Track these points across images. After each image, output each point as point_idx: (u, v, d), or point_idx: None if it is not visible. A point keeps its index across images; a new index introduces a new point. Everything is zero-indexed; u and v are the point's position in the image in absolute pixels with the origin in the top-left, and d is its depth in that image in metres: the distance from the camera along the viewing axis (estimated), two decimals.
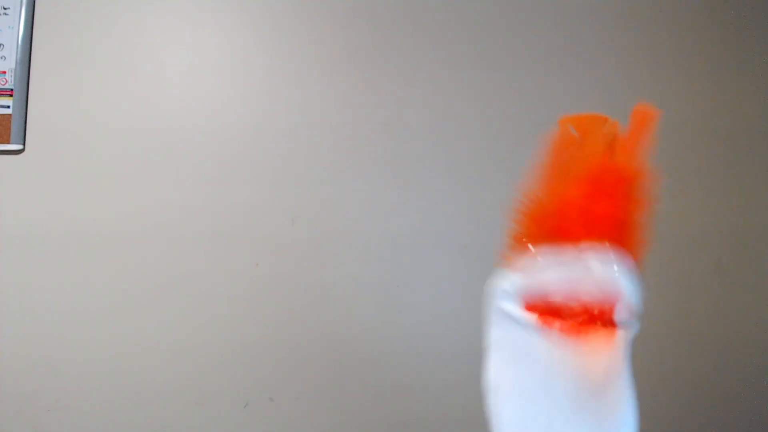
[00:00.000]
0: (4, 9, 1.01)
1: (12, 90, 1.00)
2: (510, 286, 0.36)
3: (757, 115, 1.14)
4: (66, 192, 1.01)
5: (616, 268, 0.33)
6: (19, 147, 1.00)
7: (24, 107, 1.00)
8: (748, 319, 1.10)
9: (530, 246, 0.36)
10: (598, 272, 0.33)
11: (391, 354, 1.03)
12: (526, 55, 1.11)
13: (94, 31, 1.04)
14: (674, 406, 1.08)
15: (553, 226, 0.36)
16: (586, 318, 0.34)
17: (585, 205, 0.35)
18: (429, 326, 1.04)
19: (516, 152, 1.09)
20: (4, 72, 1.01)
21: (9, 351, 0.98)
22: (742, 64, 1.14)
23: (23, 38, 1.01)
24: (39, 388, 0.98)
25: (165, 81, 1.05)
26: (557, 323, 0.34)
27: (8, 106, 1.00)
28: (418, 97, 1.08)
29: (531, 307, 0.35)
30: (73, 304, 0.99)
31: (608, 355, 0.33)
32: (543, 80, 1.10)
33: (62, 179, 1.01)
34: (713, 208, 1.11)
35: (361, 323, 1.03)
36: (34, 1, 1.03)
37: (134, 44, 1.05)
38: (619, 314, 0.34)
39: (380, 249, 1.05)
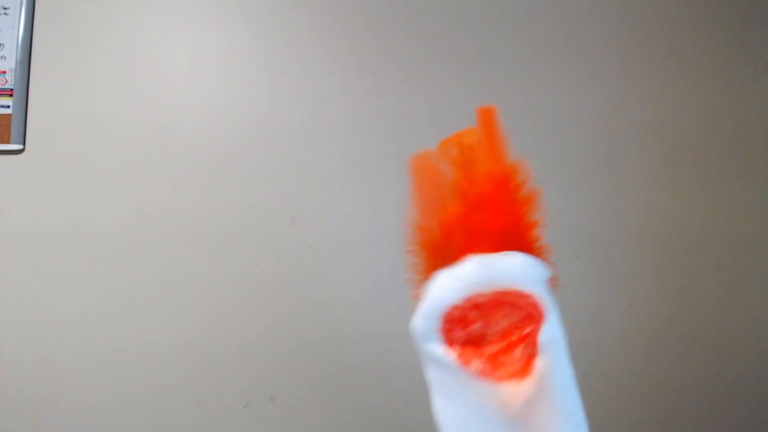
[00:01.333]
0: (4, 9, 1.01)
1: (12, 90, 1.00)
2: (424, 322, 0.35)
3: (757, 114, 1.14)
4: (66, 192, 1.01)
5: (515, 260, 0.33)
6: (19, 147, 1.00)
7: (24, 107, 1.00)
8: (748, 319, 1.11)
9: (431, 271, 0.35)
10: (498, 269, 0.33)
11: (391, 354, 1.03)
12: (527, 55, 1.11)
13: (94, 31, 1.04)
14: (674, 406, 1.08)
15: (443, 248, 0.35)
16: (505, 345, 0.33)
17: (465, 220, 0.35)
18: None
19: (516, 152, 1.09)
20: (4, 72, 1.01)
21: (9, 351, 0.98)
22: (742, 64, 1.14)
23: (23, 38, 1.01)
24: (39, 388, 0.97)
25: (165, 81, 1.05)
26: (476, 361, 0.33)
27: (8, 106, 1.00)
28: (419, 97, 1.08)
29: (449, 340, 0.34)
30: (73, 304, 0.99)
31: (534, 394, 0.32)
32: (543, 80, 1.10)
33: (62, 179, 1.01)
34: (713, 208, 1.11)
35: (361, 323, 1.03)
36: (34, 1, 1.03)
37: (134, 44, 1.05)
38: (542, 332, 0.33)
39: (380, 249, 1.05)
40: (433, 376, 0.36)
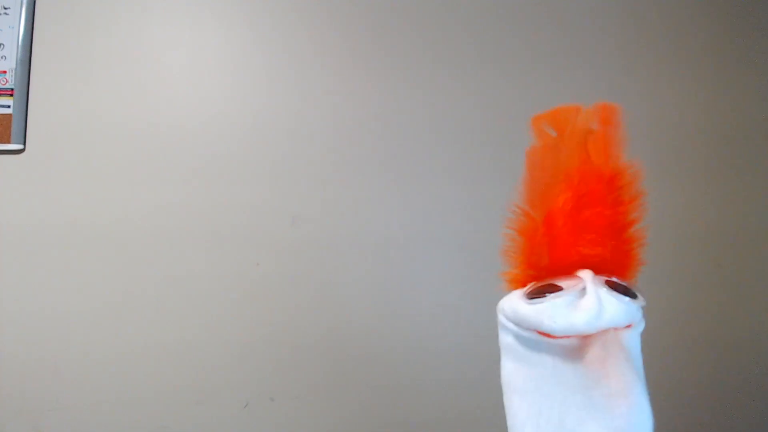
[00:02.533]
0: (5, 9, 1.01)
1: (12, 90, 1.00)
2: (509, 316, 0.37)
3: (758, 114, 1.13)
4: (66, 192, 1.01)
5: (606, 304, 0.33)
6: (19, 147, 1.00)
7: (24, 107, 1.01)
8: (748, 319, 1.10)
9: (528, 279, 0.37)
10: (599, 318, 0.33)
11: (392, 354, 1.03)
12: (527, 54, 1.11)
13: (95, 30, 1.04)
14: (674, 406, 1.08)
15: (543, 239, 0.36)
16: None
17: (572, 213, 0.35)
18: (429, 326, 1.04)
19: (517, 152, 1.09)
20: (5, 72, 1.01)
21: (9, 351, 0.98)
22: (743, 64, 1.14)
23: (23, 38, 1.01)
24: (39, 388, 0.98)
25: (165, 81, 1.05)
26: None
27: (8, 106, 1.00)
28: (419, 97, 1.08)
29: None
30: (73, 304, 0.99)
31: (607, 343, 0.33)
32: (543, 79, 1.10)
33: (63, 179, 1.01)
34: (713, 207, 1.11)
35: (361, 323, 1.03)
36: (35, 1, 1.03)
37: (134, 44, 1.05)
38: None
39: (380, 249, 1.04)
40: (509, 339, 0.37)
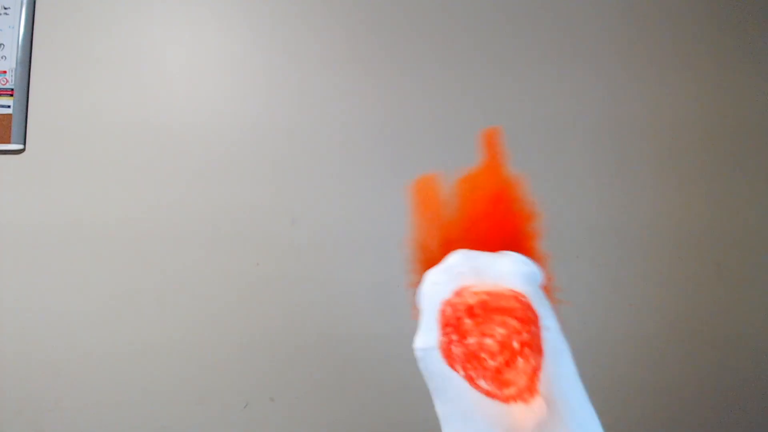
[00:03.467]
0: (5, 9, 1.02)
1: (12, 90, 1.00)
2: (424, 334, 0.33)
3: (758, 114, 1.13)
4: (66, 192, 1.01)
5: (509, 257, 0.32)
6: (19, 147, 1.00)
7: (24, 107, 1.01)
8: (749, 320, 1.10)
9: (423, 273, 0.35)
10: (497, 270, 0.32)
11: (392, 354, 1.03)
12: (528, 54, 1.11)
13: (95, 30, 1.04)
14: (675, 406, 1.08)
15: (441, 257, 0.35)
16: (507, 358, 0.32)
17: (464, 237, 0.35)
18: None
19: (517, 152, 1.09)
20: (5, 72, 1.01)
21: (9, 351, 0.98)
22: (743, 65, 1.14)
23: (23, 38, 1.01)
24: (39, 388, 0.98)
25: (165, 81, 1.05)
26: (481, 381, 0.32)
27: (8, 106, 1.00)
28: (419, 97, 1.08)
29: (450, 357, 0.32)
30: (73, 304, 0.99)
31: (539, 405, 0.30)
32: (544, 79, 1.10)
33: (63, 179, 1.01)
34: (714, 208, 1.11)
35: (361, 323, 1.03)
36: (35, 1, 1.03)
37: (135, 44, 1.05)
38: (543, 341, 0.31)
39: (380, 249, 1.04)
40: (439, 399, 0.33)
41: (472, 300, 0.32)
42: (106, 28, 1.04)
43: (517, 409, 0.30)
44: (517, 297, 0.31)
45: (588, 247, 1.08)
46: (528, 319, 0.31)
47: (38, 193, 1.00)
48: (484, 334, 0.32)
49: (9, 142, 0.99)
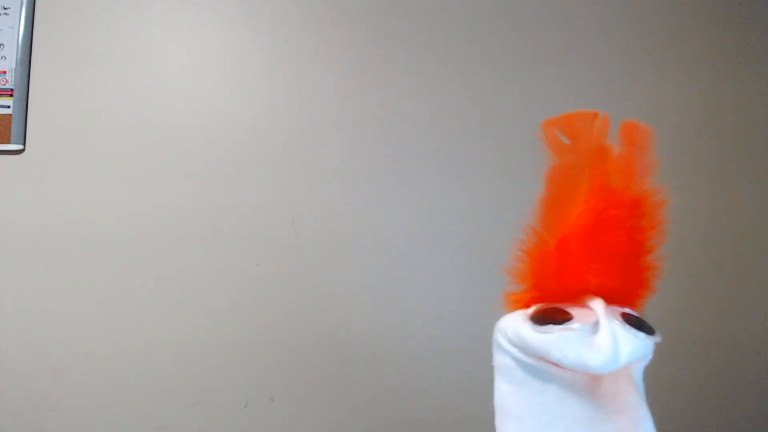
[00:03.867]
0: (5, 9, 1.01)
1: (12, 90, 1.00)
2: (512, 339, 0.34)
3: (759, 114, 1.13)
4: (66, 192, 1.01)
5: (622, 343, 0.31)
6: (19, 147, 1.00)
7: (24, 107, 1.01)
8: (749, 320, 1.10)
9: (533, 301, 0.34)
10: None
11: (392, 354, 1.03)
12: (527, 54, 1.11)
13: (95, 30, 1.04)
14: (675, 406, 1.08)
15: (554, 262, 0.34)
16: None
17: (588, 237, 0.33)
18: (429, 326, 1.04)
19: (517, 152, 1.09)
20: (5, 72, 1.01)
21: (9, 351, 0.98)
22: (744, 64, 1.14)
23: (23, 38, 1.01)
24: (39, 388, 0.98)
25: (165, 81, 1.05)
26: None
27: (8, 106, 1.00)
28: (419, 97, 1.08)
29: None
30: (73, 304, 0.99)
31: (619, 377, 0.31)
32: (544, 79, 1.10)
33: (62, 179, 1.01)
34: (714, 208, 1.11)
35: (361, 323, 1.03)
36: (35, 1, 1.03)
37: (134, 44, 1.05)
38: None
39: (380, 249, 1.04)
40: (507, 361, 0.34)
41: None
42: (106, 28, 1.04)
43: (599, 380, 0.31)
44: None
45: None
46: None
47: (38, 193, 1.00)
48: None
49: (9, 143, 0.99)
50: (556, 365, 0.31)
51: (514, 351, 0.34)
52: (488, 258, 1.04)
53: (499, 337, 0.36)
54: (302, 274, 1.03)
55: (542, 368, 0.32)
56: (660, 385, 1.14)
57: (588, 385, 0.31)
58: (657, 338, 0.32)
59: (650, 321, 0.32)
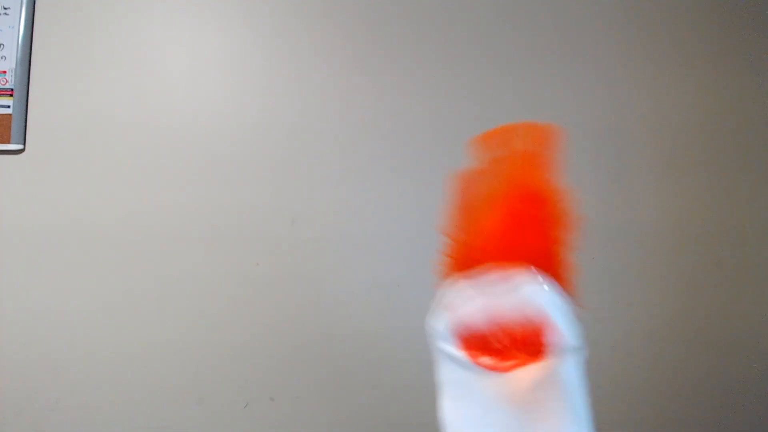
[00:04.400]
0: (5, 9, 1.01)
1: (12, 90, 1.00)
2: (442, 325, 0.36)
3: (759, 113, 1.13)
4: (66, 192, 1.01)
5: (541, 289, 0.33)
6: (19, 147, 1.00)
7: (24, 107, 1.01)
8: (749, 319, 1.10)
9: (457, 278, 0.36)
10: (522, 294, 0.33)
11: (391, 354, 1.03)
12: (527, 54, 1.11)
13: (95, 31, 1.04)
14: (675, 406, 1.08)
15: (476, 263, 0.35)
16: (513, 346, 0.34)
17: (505, 237, 0.35)
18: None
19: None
20: (5, 72, 1.01)
21: (9, 351, 0.98)
22: (744, 63, 1.14)
23: (23, 38, 1.01)
24: (39, 388, 0.98)
25: (165, 81, 1.05)
26: (486, 358, 0.34)
27: (8, 106, 1.00)
28: (418, 97, 1.08)
29: (464, 342, 0.35)
30: (73, 304, 0.99)
31: (541, 382, 0.32)
32: (544, 79, 1.10)
33: (62, 179, 1.01)
34: (713, 207, 1.11)
35: (361, 323, 1.03)
36: (35, 1, 1.03)
37: (134, 44, 1.05)
38: (549, 337, 0.33)
39: (380, 249, 1.04)
40: (447, 374, 0.36)
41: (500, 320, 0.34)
42: (106, 28, 1.04)
43: (515, 375, 0.32)
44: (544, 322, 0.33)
45: (588, 247, 1.08)
46: (534, 319, 0.33)
47: (38, 193, 1.00)
48: (493, 326, 0.34)
49: (9, 142, 0.99)
50: (487, 366, 0.33)
51: (447, 349, 0.35)
52: None
53: (434, 340, 0.37)
54: (302, 274, 1.03)
55: (472, 381, 0.34)
56: (660, 384, 1.15)
57: (513, 394, 0.33)
58: (575, 306, 0.34)
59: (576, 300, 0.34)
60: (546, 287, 0.34)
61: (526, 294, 0.33)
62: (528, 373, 0.33)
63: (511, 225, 0.35)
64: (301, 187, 1.05)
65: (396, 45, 1.09)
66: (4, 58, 1.01)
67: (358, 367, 1.03)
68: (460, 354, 0.35)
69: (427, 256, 1.13)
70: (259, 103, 1.06)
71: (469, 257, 0.36)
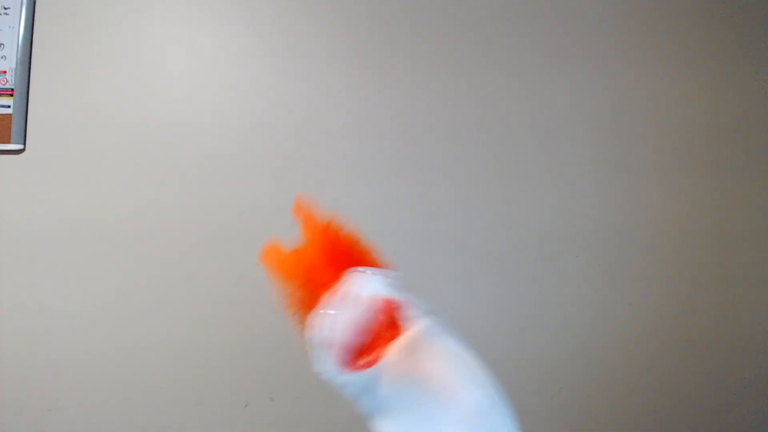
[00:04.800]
0: (5, 9, 1.01)
1: (12, 90, 1.00)
2: (329, 362, 0.39)
3: (759, 114, 1.13)
4: (66, 192, 1.01)
5: (368, 277, 0.39)
6: (19, 147, 1.00)
7: (24, 107, 1.01)
8: (749, 319, 1.10)
9: (308, 318, 0.41)
10: (359, 292, 0.38)
11: None
12: (530, 55, 1.11)
13: (95, 30, 1.04)
14: (675, 406, 1.08)
15: (315, 303, 0.42)
16: (382, 337, 0.37)
17: (321, 277, 0.43)
18: None
19: (516, 152, 1.09)
20: (5, 72, 1.01)
21: (9, 351, 0.98)
22: (744, 63, 1.14)
23: (23, 38, 1.01)
24: (39, 388, 0.98)
25: (165, 80, 1.05)
26: (361, 359, 0.37)
27: (8, 106, 1.00)
28: (418, 97, 1.08)
29: (349, 362, 0.38)
30: (73, 303, 0.99)
31: (408, 347, 0.35)
32: (544, 79, 1.10)
33: (63, 179, 1.01)
34: (714, 207, 1.11)
35: None
36: (35, 1, 1.03)
37: (134, 44, 1.05)
38: (403, 313, 0.37)
39: (380, 249, 1.04)
40: (363, 408, 0.38)
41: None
42: (106, 28, 1.04)
43: (388, 358, 0.36)
44: (391, 303, 0.38)
45: (588, 247, 1.08)
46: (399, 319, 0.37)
47: (38, 193, 1.00)
48: (364, 334, 0.38)
49: (9, 142, 0.99)
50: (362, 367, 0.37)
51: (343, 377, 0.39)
52: (487, 258, 1.04)
53: (329, 377, 0.40)
54: None
55: (367, 387, 0.36)
56: (660, 384, 1.15)
57: (397, 373, 0.35)
58: (391, 275, 0.39)
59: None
60: (370, 273, 0.39)
61: (361, 289, 0.38)
62: (396, 347, 0.35)
63: (325, 263, 0.43)
64: (302, 187, 1.04)
65: (399, 43, 1.09)
66: (4, 58, 1.01)
67: None
68: (353, 375, 0.37)
69: (428, 255, 1.13)
70: (259, 102, 1.06)
71: (309, 302, 0.43)
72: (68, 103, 1.02)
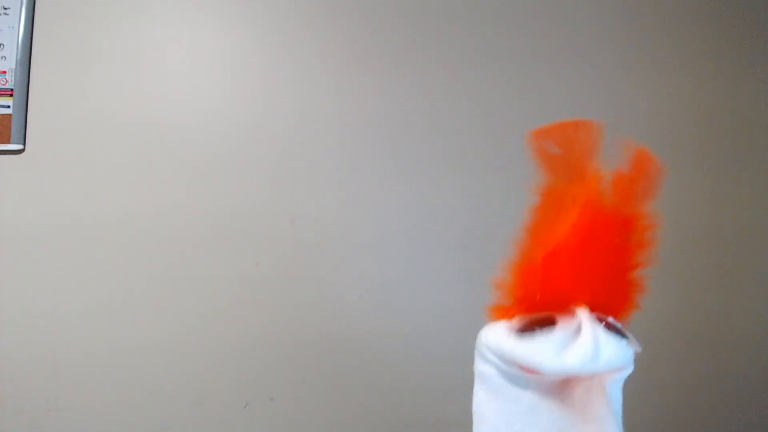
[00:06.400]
0: (5, 9, 1.01)
1: (12, 90, 1.00)
2: (493, 349, 0.34)
3: (759, 113, 1.13)
4: (66, 192, 1.01)
5: (603, 345, 0.31)
6: (19, 147, 1.00)
7: (24, 107, 1.00)
8: (748, 319, 1.10)
9: (518, 313, 0.34)
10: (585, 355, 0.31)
11: (391, 354, 1.03)
12: (527, 53, 1.11)
13: (95, 30, 1.04)
14: (675, 406, 1.08)
15: (540, 276, 0.33)
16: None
17: (575, 255, 0.33)
18: (428, 326, 1.04)
19: (516, 151, 1.09)
20: (4, 72, 1.01)
21: (9, 351, 0.98)
22: (744, 63, 1.14)
23: (23, 38, 1.01)
24: (39, 388, 0.98)
25: (165, 81, 1.05)
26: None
27: (8, 106, 1.00)
28: (418, 96, 1.08)
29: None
30: (73, 304, 0.99)
31: (590, 388, 0.32)
32: (544, 79, 1.10)
33: (63, 179, 1.01)
34: (713, 207, 1.11)
35: (360, 323, 1.03)
36: (35, 1, 1.03)
37: (134, 44, 1.05)
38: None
39: (380, 249, 1.04)
40: (487, 368, 0.35)
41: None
42: (106, 28, 1.04)
43: (564, 384, 0.31)
44: None
45: None
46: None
47: (38, 193, 1.00)
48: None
49: (9, 143, 0.99)
50: (535, 372, 0.31)
51: (495, 360, 0.34)
52: (488, 258, 1.04)
53: (481, 346, 0.36)
54: (302, 274, 1.03)
55: (519, 377, 0.33)
56: (660, 384, 1.15)
57: (560, 395, 0.32)
58: (637, 347, 0.33)
59: (632, 333, 0.33)
60: (602, 335, 0.31)
61: (606, 361, 0.31)
62: (578, 383, 0.32)
63: (585, 244, 0.32)
64: (301, 187, 1.05)
65: (396, 44, 1.09)
66: (4, 58, 1.01)
67: (357, 367, 1.03)
68: (514, 369, 0.33)
69: (426, 255, 1.13)
70: (259, 102, 1.06)
71: (536, 270, 0.33)
72: (68, 103, 1.02)
